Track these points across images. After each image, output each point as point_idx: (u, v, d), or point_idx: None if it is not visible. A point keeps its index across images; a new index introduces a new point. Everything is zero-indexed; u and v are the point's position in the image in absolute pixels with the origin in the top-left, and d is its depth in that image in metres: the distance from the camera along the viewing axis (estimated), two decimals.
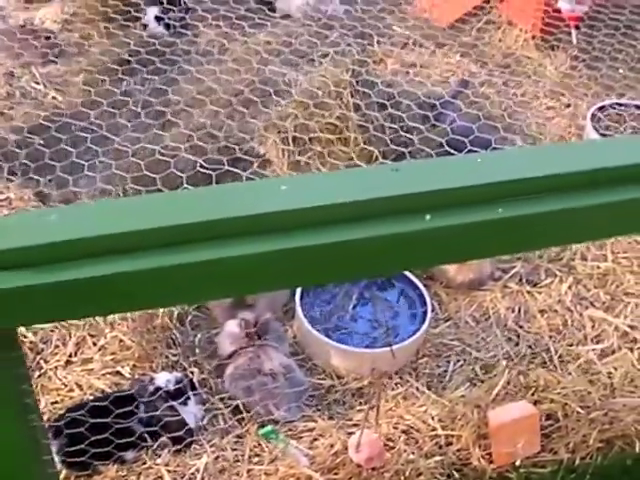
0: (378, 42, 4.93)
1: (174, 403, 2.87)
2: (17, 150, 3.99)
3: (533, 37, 5.01)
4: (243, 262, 1.91)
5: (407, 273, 3.37)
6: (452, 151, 3.42)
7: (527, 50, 5.02)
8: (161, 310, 3.22)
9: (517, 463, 2.78)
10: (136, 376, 3.04)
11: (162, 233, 1.86)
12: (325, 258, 1.99)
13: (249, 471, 2.79)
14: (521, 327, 3.35)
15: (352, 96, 3.55)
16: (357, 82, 3.65)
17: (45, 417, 2.87)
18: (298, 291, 3.25)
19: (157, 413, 2.82)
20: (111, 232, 1.86)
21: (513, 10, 5.13)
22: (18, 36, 4.97)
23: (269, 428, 2.76)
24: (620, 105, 4.38)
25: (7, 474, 2.04)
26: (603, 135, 4.14)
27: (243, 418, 2.94)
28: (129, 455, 2.83)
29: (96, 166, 3.88)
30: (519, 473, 2.79)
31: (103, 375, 3.09)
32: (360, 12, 5.14)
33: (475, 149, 3.25)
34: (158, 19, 5.00)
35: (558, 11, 4.83)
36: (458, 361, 3.21)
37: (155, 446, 2.83)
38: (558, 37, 4.85)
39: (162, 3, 5.01)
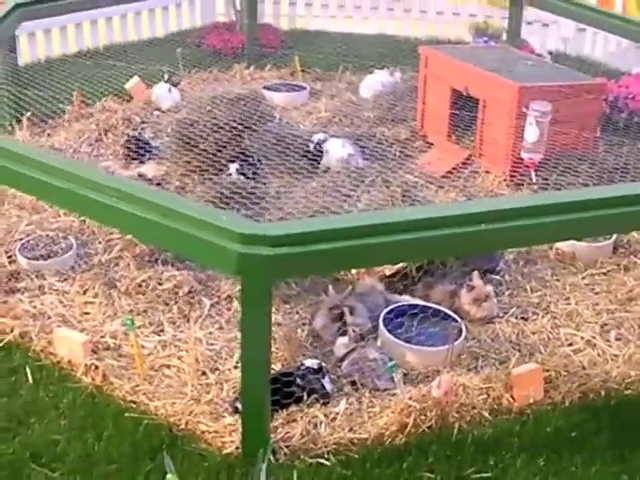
0: (398, 185, 6.97)
1: (317, 376, 4.63)
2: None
3: (504, 180, 7.13)
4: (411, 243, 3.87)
5: (446, 310, 5.25)
6: None
7: (501, 189, 7.11)
8: (299, 330, 5.06)
9: (530, 401, 4.58)
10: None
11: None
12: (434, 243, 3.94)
13: (369, 412, 4.54)
14: (521, 341, 5.19)
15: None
16: (404, 196, 5.68)
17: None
18: (381, 320, 5.10)
19: (309, 379, 4.57)
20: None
21: (489, 162, 7.29)
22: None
23: (393, 362, 4.52)
24: None
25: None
26: None
27: (358, 388, 4.71)
28: (293, 408, 4.54)
29: None
30: (532, 409, 4.58)
31: None
32: (379, 167, 7.24)
33: None
34: (238, 172, 7.01)
35: (521, 159, 6.98)
36: (484, 360, 5.02)
37: (309, 401, 4.56)
38: (522, 178, 6.95)
39: (241, 160, 7.05)
